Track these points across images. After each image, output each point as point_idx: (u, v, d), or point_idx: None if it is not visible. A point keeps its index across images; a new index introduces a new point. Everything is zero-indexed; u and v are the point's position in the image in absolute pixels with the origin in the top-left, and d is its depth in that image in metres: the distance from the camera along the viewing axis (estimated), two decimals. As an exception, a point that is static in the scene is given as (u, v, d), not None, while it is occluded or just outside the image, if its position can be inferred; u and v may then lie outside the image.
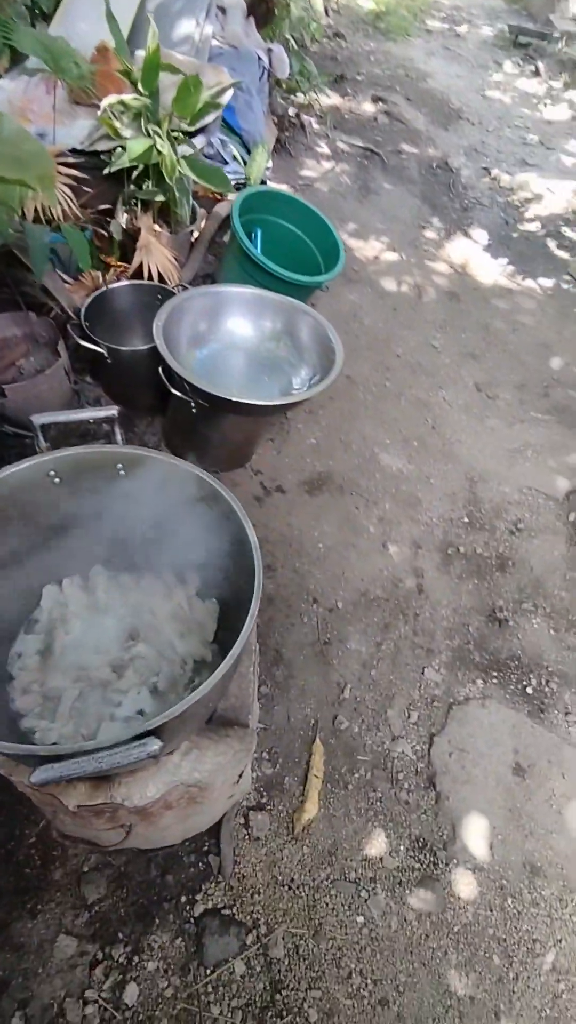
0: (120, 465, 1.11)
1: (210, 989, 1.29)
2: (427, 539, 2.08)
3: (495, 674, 1.80)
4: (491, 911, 1.43)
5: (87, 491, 1.15)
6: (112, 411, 1.05)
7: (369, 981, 1.32)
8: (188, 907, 1.37)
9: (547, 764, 1.65)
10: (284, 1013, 1.27)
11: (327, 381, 1.72)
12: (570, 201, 3.66)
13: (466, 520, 2.15)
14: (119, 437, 1.10)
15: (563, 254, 3.35)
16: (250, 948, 1.33)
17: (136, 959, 1.30)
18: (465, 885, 1.45)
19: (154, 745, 0.72)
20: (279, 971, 1.32)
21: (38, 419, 1.01)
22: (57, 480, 1.09)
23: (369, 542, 2.05)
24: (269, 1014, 1.27)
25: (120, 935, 1.33)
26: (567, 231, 3.48)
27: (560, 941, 1.40)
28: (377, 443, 2.31)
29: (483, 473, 2.28)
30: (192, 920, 1.36)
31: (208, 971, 1.30)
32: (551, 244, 3.40)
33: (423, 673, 1.79)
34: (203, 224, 2.65)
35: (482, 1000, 1.33)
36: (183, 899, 1.38)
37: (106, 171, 2.01)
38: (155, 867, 1.41)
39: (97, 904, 1.35)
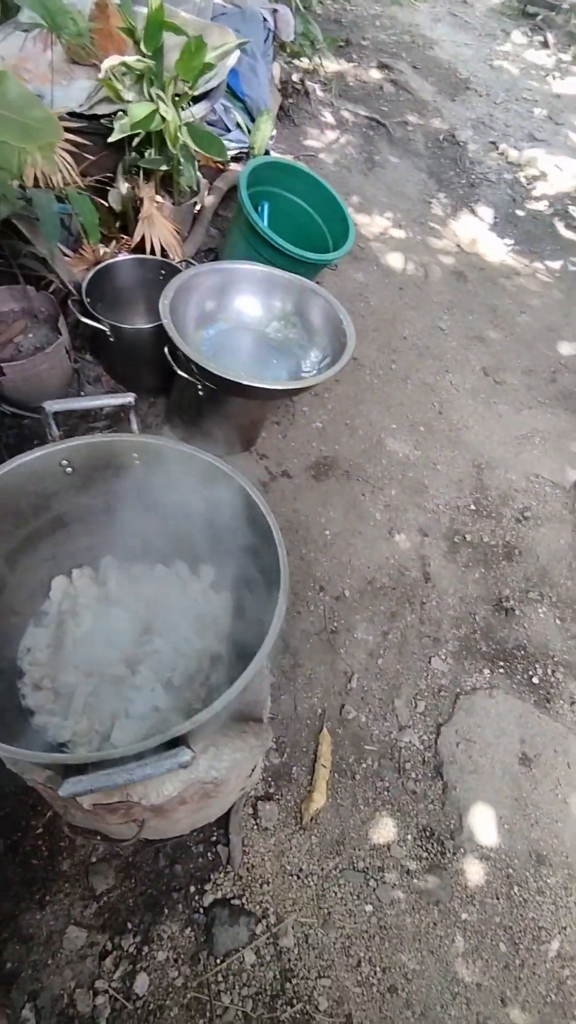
0: (136, 455, 1.06)
1: (220, 978, 1.29)
2: (433, 527, 2.06)
3: (502, 664, 1.80)
4: (497, 899, 1.44)
5: (100, 481, 1.11)
6: (129, 398, 1.00)
7: (378, 969, 1.33)
8: (197, 897, 1.37)
9: (553, 754, 1.65)
10: (294, 1001, 1.28)
11: (338, 365, 1.67)
12: (579, 179, 3.58)
13: (473, 508, 2.13)
14: (135, 425, 1.05)
15: (571, 235, 3.29)
16: (260, 938, 1.34)
17: (146, 949, 1.30)
18: (472, 874, 1.47)
19: (186, 756, 0.69)
20: (289, 960, 1.32)
21: (50, 406, 0.96)
22: (69, 470, 1.05)
23: (375, 529, 2.03)
24: (279, 1002, 1.28)
25: (129, 925, 1.32)
26: (575, 211, 3.40)
27: (565, 928, 1.42)
28: (383, 428, 2.27)
29: (490, 460, 2.26)
30: (201, 910, 1.35)
31: (218, 960, 1.30)
32: (559, 224, 3.33)
33: (430, 663, 1.78)
34: (206, 195, 2.55)
35: (489, 987, 1.35)
36: (192, 889, 1.38)
37: (110, 139, 1.91)
38: (163, 857, 1.40)
39: (106, 894, 1.34)
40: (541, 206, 3.41)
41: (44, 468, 1.01)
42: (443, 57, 4.32)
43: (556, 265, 3.11)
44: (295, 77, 3.47)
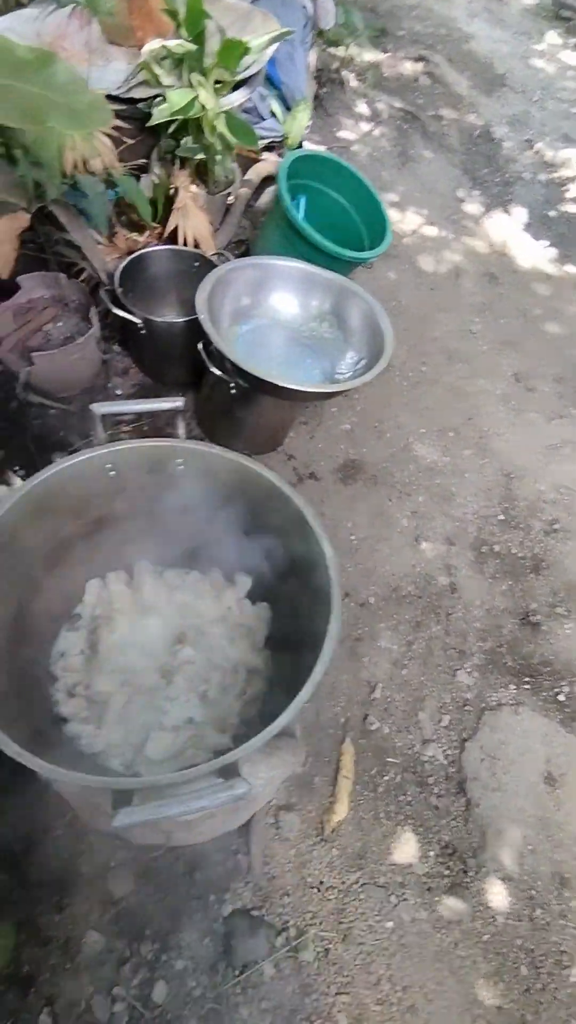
0: (180, 460, 1.03)
1: (239, 990, 1.27)
2: (461, 536, 2.03)
3: (528, 680, 1.77)
4: (520, 921, 1.42)
5: (140, 484, 1.07)
6: (178, 403, 0.96)
7: (398, 987, 1.32)
8: (216, 906, 1.35)
9: (578, 774, 1.63)
10: (313, 1017, 1.27)
11: (375, 370, 1.63)
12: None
13: (501, 518, 2.09)
14: (181, 430, 1.01)
15: (606, 239, 3.22)
16: (279, 951, 1.32)
17: (164, 957, 1.29)
18: (494, 894, 1.44)
19: (243, 788, 0.66)
20: (308, 975, 1.31)
21: (98, 408, 0.93)
22: (113, 473, 1.01)
23: (402, 536, 1.99)
24: (298, 1018, 1.26)
25: (148, 932, 1.31)
26: (611, 215, 3.33)
27: (587, 954, 1.40)
28: (412, 432, 2.23)
29: (519, 469, 2.21)
30: (221, 919, 1.34)
31: (236, 972, 1.28)
32: (594, 228, 3.26)
33: (455, 676, 1.75)
34: (239, 186, 2.50)
35: (509, 1010, 1.33)
36: (211, 898, 1.36)
37: (149, 123, 1.86)
38: (183, 864, 1.38)
39: (124, 900, 1.33)
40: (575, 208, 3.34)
41: (88, 471, 0.98)
42: (479, 51, 4.22)
43: (590, 270, 3.04)
44: (331, 66, 3.39)
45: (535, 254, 3.05)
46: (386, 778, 1.57)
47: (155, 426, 1.92)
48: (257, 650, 1.14)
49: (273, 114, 2.81)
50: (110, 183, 1.73)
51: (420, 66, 3.82)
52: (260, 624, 1.16)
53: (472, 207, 3.17)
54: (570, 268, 3.01)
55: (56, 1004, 1.21)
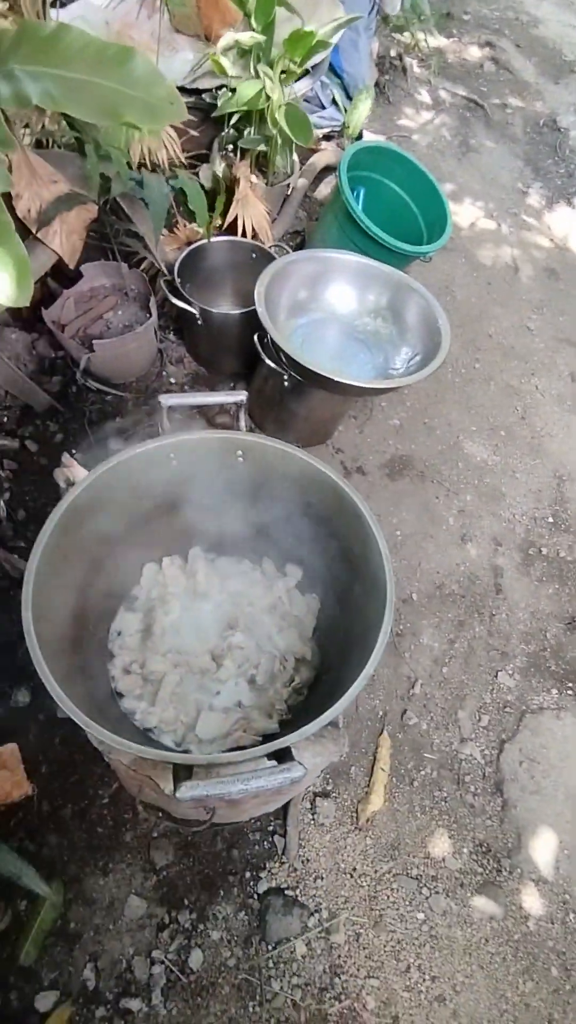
0: (240, 452, 1.06)
1: (271, 964, 1.32)
2: (508, 537, 2.01)
3: (571, 685, 1.75)
4: (552, 924, 1.42)
5: (200, 473, 1.11)
6: (241, 396, 0.99)
7: (427, 977, 1.34)
8: (252, 883, 1.40)
9: (619, 783, 1.61)
10: (342, 996, 1.30)
11: (431, 367, 1.62)
12: None
13: (551, 520, 2.06)
14: (243, 423, 1.04)
15: None
16: (311, 930, 1.36)
17: (201, 927, 1.34)
18: (528, 896, 1.45)
19: (299, 772, 0.69)
20: (339, 956, 1.34)
21: (166, 400, 0.96)
22: (175, 463, 1.05)
23: (448, 534, 1.98)
24: (328, 996, 1.30)
25: (186, 901, 1.36)
26: None
27: (620, 963, 1.40)
28: (462, 430, 2.21)
29: (573, 472, 2.17)
30: (256, 896, 1.38)
31: (270, 947, 1.33)
32: None
33: (496, 676, 1.74)
34: (298, 177, 2.50)
35: (537, 1008, 1.34)
36: (247, 875, 1.40)
37: (214, 114, 1.88)
38: (221, 840, 1.43)
39: (165, 869, 1.39)
40: None
41: (153, 458, 1.02)
42: (548, 36, 4.07)
43: None
44: (393, 52, 3.34)
45: (598, 249, 2.95)
46: (422, 773, 1.59)
47: (209, 415, 1.96)
48: (305, 640, 1.16)
49: (335, 102, 2.79)
50: (172, 175, 1.76)
51: (486, 51, 3.72)
52: (309, 615, 1.19)
53: (534, 199, 3.08)
54: None
55: (99, 961, 1.28)
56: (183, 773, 0.71)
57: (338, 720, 1.21)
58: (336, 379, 1.51)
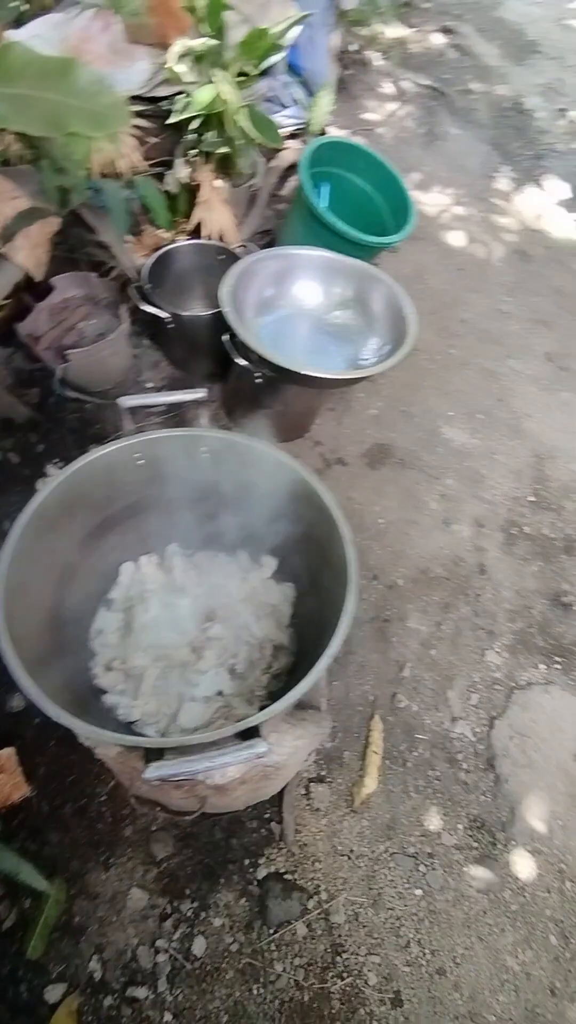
0: (205, 449, 1.09)
1: (273, 947, 1.35)
2: (491, 518, 2.03)
3: (558, 660, 1.78)
4: (549, 893, 1.45)
5: (168, 472, 1.14)
6: (200, 394, 1.02)
7: (427, 951, 1.37)
8: (251, 869, 1.43)
9: (609, 752, 1.63)
10: (344, 974, 1.33)
11: (399, 354, 1.65)
12: None
13: (532, 499, 2.08)
14: (204, 420, 1.07)
15: None
16: (311, 912, 1.39)
17: (203, 915, 1.37)
18: (523, 866, 1.47)
19: (262, 747, 0.72)
20: (339, 935, 1.37)
21: (124, 402, 0.99)
22: (141, 462, 1.08)
23: (431, 519, 2.01)
24: (330, 974, 1.33)
25: (187, 891, 1.39)
26: None
27: (616, 927, 1.42)
28: (441, 415, 2.23)
29: (552, 450, 2.19)
30: (255, 882, 1.41)
31: (271, 931, 1.36)
32: (632, 197, 3.15)
33: (484, 655, 1.77)
34: (263, 176, 2.52)
35: (538, 977, 1.36)
36: (246, 862, 1.43)
37: (169, 121, 1.91)
38: (219, 830, 1.46)
39: (165, 861, 1.42)
40: (613, 178, 3.23)
41: (118, 460, 1.05)
42: (510, 18, 4.09)
43: (628, 241, 2.95)
44: (353, 46, 3.36)
45: (570, 228, 2.97)
46: (415, 754, 1.61)
47: (186, 417, 1.99)
48: (282, 627, 1.19)
49: (296, 101, 2.82)
50: (130, 184, 1.79)
51: (447, 38, 3.74)
52: (285, 603, 1.22)
53: (502, 183, 3.11)
54: (606, 240, 2.93)
55: (104, 952, 1.31)
56: (154, 756, 0.74)
57: (319, 703, 1.24)
58: (303, 373, 1.54)
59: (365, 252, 2.00)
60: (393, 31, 3.62)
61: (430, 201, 2.94)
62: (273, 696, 1.15)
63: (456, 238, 2.81)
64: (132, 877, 1.39)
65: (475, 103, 3.44)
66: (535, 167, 3.21)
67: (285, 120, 2.79)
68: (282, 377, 1.67)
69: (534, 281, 2.71)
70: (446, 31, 3.79)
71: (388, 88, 3.35)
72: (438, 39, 3.73)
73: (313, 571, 1.13)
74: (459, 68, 3.62)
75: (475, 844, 1.50)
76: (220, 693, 1.12)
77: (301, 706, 1.22)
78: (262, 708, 1.12)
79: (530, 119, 3.43)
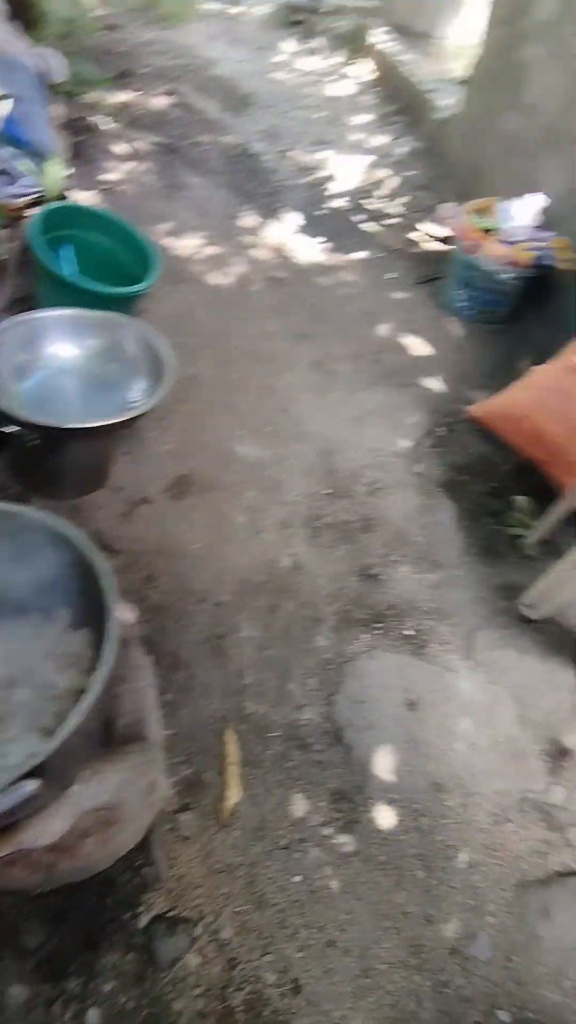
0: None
1: (169, 988, 1.34)
2: (294, 518, 2.21)
3: (377, 626, 1.97)
4: (408, 833, 1.60)
5: None
6: None
7: (315, 930, 1.44)
8: (132, 922, 1.41)
9: (433, 693, 1.84)
10: (243, 984, 1.36)
11: (162, 388, 1.77)
12: (365, 175, 3.90)
13: (327, 492, 2.30)
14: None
15: (369, 226, 3.58)
16: (200, 939, 1.40)
17: (91, 984, 1.33)
18: (383, 818, 1.61)
19: (29, 787, 0.75)
20: (231, 949, 1.40)
21: None
22: None
23: (241, 532, 2.14)
24: (230, 990, 1.35)
25: (70, 968, 1.34)
26: (367, 203, 3.71)
27: (467, 840, 1.61)
28: (232, 436, 2.39)
29: (335, 444, 2.44)
30: (138, 932, 1.40)
31: (164, 974, 1.35)
32: (356, 218, 3.62)
33: (313, 641, 1.92)
34: (8, 246, 2.54)
35: (414, 912, 1.50)
36: (126, 915, 1.42)
37: None
38: (92, 895, 1.43)
39: (40, 948, 1.35)
40: (339, 203, 3.69)
41: None
42: (223, 75, 4.52)
43: (362, 255, 3.38)
44: (79, 114, 3.51)
45: (312, 251, 3.34)
46: (270, 752, 1.70)
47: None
48: (86, 672, 1.22)
49: (29, 171, 2.89)
50: None
51: (170, 99, 4.04)
52: (86, 648, 1.24)
53: (246, 220, 3.41)
54: (343, 257, 3.33)
55: (-10, 1071, 1.22)
56: None
57: (144, 732, 1.28)
58: (66, 427, 1.59)
59: (120, 304, 2.11)
60: (116, 97, 3.84)
61: (184, 245, 3.15)
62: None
63: (215, 276, 3.04)
64: (8, 976, 1.31)
65: (207, 153, 3.75)
66: (272, 202, 3.57)
67: (21, 190, 2.85)
68: (54, 435, 1.71)
69: (291, 301, 3.00)
70: (168, 92, 4.09)
71: (123, 149, 3.54)
72: (161, 100, 4.01)
73: (103, 610, 1.17)
74: (186, 123, 3.92)
75: (339, 815, 1.62)
76: (32, 755, 1.11)
77: (125, 740, 1.25)
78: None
79: (259, 161, 3.82)
